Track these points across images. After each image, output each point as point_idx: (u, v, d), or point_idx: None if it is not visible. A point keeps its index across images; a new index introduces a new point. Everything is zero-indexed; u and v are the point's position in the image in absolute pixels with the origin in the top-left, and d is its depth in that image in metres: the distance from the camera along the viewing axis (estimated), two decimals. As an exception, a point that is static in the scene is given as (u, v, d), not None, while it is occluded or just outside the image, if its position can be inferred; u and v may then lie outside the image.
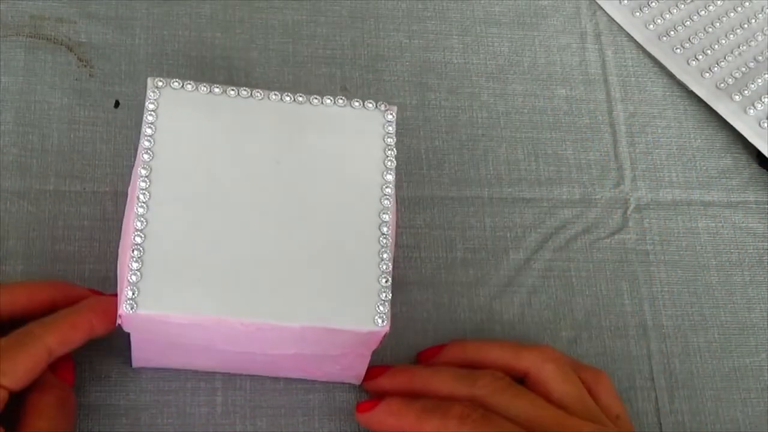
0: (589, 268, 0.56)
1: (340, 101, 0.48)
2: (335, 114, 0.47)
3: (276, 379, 0.50)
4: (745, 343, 0.56)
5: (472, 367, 0.49)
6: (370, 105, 0.48)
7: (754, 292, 0.57)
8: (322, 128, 0.47)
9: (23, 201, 0.52)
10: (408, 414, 0.46)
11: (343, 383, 0.51)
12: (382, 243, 0.45)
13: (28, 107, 0.55)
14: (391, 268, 0.45)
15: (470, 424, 0.44)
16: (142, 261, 0.43)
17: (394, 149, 0.47)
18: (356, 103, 0.48)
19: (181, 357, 0.48)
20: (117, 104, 0.56)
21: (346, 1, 0.61)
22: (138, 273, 0.42)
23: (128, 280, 0.42)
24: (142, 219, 0.44)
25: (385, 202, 0.46)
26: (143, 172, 0.44)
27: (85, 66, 0.56)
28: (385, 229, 0.45)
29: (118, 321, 0.43)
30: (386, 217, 0.46)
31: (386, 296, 0.44)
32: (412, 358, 0.52)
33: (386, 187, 0.46)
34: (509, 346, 0.50)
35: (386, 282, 0.44)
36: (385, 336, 0.44)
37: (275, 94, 0.47)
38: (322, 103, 0.47)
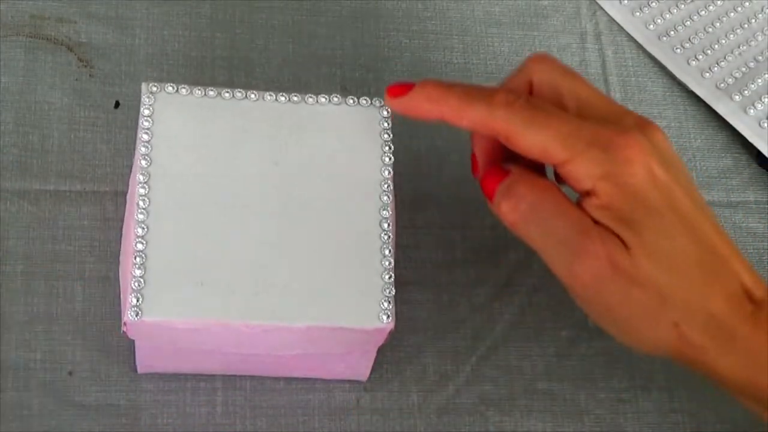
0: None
1: (335, 99, 0.48)
2: (331, 112, 0.47)
3: (276, 378, 0.51)
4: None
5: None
6: (365, 102, 0.48)
7: (755, 292, 0.57)
8: (319, 127, 0.47)
9: (23, 201, 0.52)
10: (448, 100, 0.44)
11: (344, 382, 0.51)
12: (383, 239, 0.45)
13: (29, 107, 0.55)
14: (393, 265, 0.45)
15: (517, 111, 0.43)
16: (144, 268, 0.43)
17: (391, 145, 0.47)
18: (351, 101, 0.48)
19: (186, 361, 0.48)
20: (117, 105, 0.56)
21: (346, 1, 0.61)
22: (141, 280, 0.42)
23: (132, 288, 0.42)
24: (142, 225, 0.44)
25: (385, 198, 0.46)
26: (142, 178, 0.44)
27: (85, 66, 0.56)
28: (385, 226, 0.46)
29: (123, 329, 0.43)
30: (386, 214, 0.46)
31: (390, 292, 0.44)
32: (412, 358, 0.52)
33: (385, 184, 0.46)
34: (506, 78, 0.48)
35: (389, 278, 0.45)
36: (390, 332, 0.44)
37: (270, 95, 0.47)
38: (317, 102, 0.47)
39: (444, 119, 0.45)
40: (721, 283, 0.43)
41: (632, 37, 0.63)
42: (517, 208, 0.44)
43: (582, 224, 0.43)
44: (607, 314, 0.44)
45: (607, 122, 0.44)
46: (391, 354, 0.52)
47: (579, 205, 0.44)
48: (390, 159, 0.47)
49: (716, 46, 0.63)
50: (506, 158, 0.47)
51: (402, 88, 0.46)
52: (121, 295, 0.45)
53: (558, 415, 0.52)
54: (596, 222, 0.43)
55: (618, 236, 0.42)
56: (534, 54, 0.47)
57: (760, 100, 0.62)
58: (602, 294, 0.43)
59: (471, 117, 0.44)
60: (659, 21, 0.64)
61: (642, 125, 0.44)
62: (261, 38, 0.59)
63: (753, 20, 0.65)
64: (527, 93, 0.46)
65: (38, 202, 0.52)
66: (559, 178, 0.45)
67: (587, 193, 0.43)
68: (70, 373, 0.49)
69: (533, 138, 0.43)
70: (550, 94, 0.46)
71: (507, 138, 0.44)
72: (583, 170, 0.42)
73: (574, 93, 0.45)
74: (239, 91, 0.47)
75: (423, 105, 0.45)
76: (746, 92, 0.62)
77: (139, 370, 0.49)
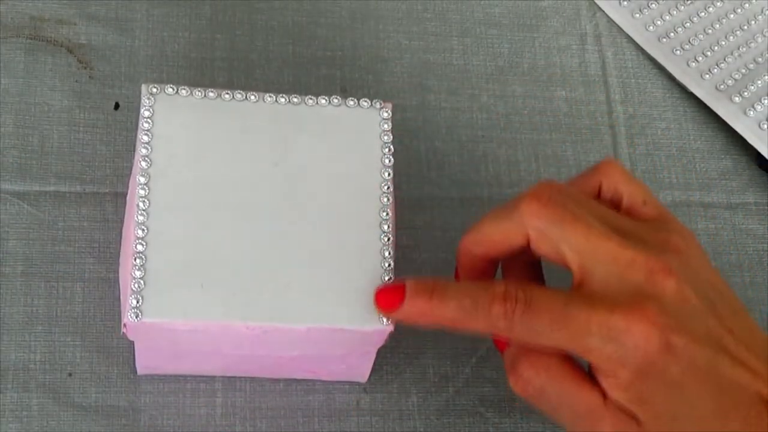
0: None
1: (335, 101, 0.48)
2: (331, 114, 0.47)
3: (275, 380, 0.51)
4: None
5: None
6: (365, 103, 0.48)
7: (754, 293, 0.57)
8: (319, 128, 0.47)
9: (23, 202, 0.52)
10: (443, 315, 0.42)
11: (344, 384, 0.51)
12: (383, 241, 0.45)
13: (28, 109, 0.55)
14: (393, 266, 0.45)
15: (518, 320, 0.41)
16: (144, 269, 0.43)
17: (391, 146, 0.47)
18: (351, 102, 0.48)
19: (186, 363, 0.48)
20: (117, 106, 0.56)
21: (345, 3, 0.61)
22: (141, 281, 0.42)
23: (132, 289, 0.42)
24: (142, 227, 0.44)
25: (385, 199, 0.46)
26: (142, 179, 0.44)
27: (85, 68, 0.56)
28: (385, 227, 0.46)
29: (123, 330, 0.43)
30: (386, 215, 0.46)
31: None
32: (412, 360, 0.52)
33: (385, 185, 0.46)
34: (496, 219, 0.45)
35: (389, 280, 0.45)
36: (390, 334, 0.44)
37: (270, 96, 0.47)
38: (317, 103, 0.47)
39: (442, 328, 0.44)
40: (738, 410, 0.42)
41: (632, 39, 0.63)
42: (525, 390, 0.43)
43: (591, 406, 0.42)
44: None
45: (616, 292, 0.41)
46: (390, 355, 0.52)
47: (594, 376, 0.42)
48: (390, 160, 0.47)
49: (716, 47, 0.63)
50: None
51: (391, 298, 0.44)
52: (121, 297, 0.45)
53: (558, 416, 0.52)
54: (608, 398, 0.42)
55: (631, 413, 0.41)
56: (527, 196, 0.43)
57: (760, 102, 0.62)
58: None
59: (472, 329, 0.43)
60: (659, 22, 0.64)
61: (653, 279, 0.41)
62: (261, 39, 0.59)
63: (753, 22, 0.65)
64: (523, 285, 0.43)
65: (38, 203, 0.52)
66: None
67: (606, 374, 0.41)
68: (70, 375, 0.49)
69: (543, 343, 0.42)
70: (551, 253, 0.43)
71: (516, 342, 0.43)
72: (602, 362, 0.41)
73: (575, 254, 0.42)
74: (239, 93, 0.47)
75: (418, 320, 0.43)
76: (746, 94, 0.62)
77: (139, 371, 0.49)
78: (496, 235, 0.45)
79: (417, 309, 0.43)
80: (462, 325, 0.43)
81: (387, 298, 0.44)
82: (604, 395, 0.42)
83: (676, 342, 0.41)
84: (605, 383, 0.42)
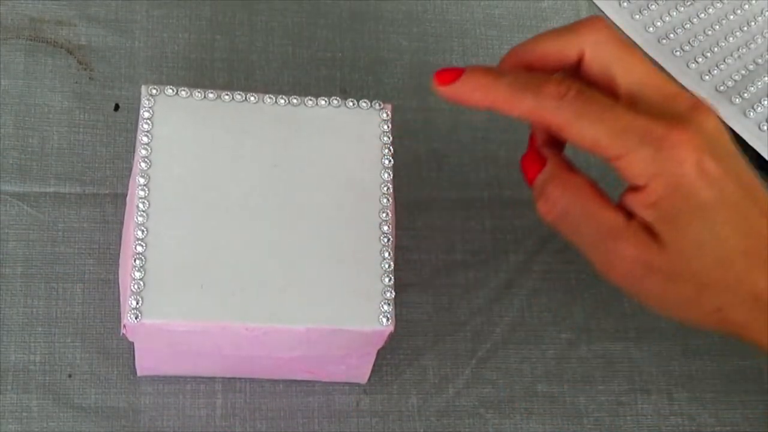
0: (588, 270, 0.56)
1: (335, 102, 0.48)
2: (330, 115, 0.47)
3: (275, 381, 0.51)
4: (744, 345, 0.55)
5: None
6: (365, 104, 0.48)
7: (754, 294, 0.57)
8: (318, 129, 0.47)
9: (23, 203, 0.52)
10: (497, 89, 0.44)
11: (344, 385, 0.51)
12: (383, 242, 0.45)
13: (28, 110, 0.55)
14: (393, 267, 0.45)
15: (568, 103, 0.42)
16: (144, 270, 0.43)
17: (391, 148, 0.47)
18: (351, 104, 0.48)
19: (186, 364, 0.48)
20: (117, 107, 0.56)
21: (346, 3, 0.61)
22: (141, 282, 0.42)
23: (131, 290, 0.42)
24: (142, 228, 0.44)
25: (384, 201, 0.46)
26: (141, 180, 0.44)
27: (85, 69, 0.56)
28: (385, 228, 0.46)
29: (123, 331, 0.43)
30: (386, 216, 0.46)
31: (390, 295, 0.44)
32: (412, 361, 0.52)
33: (384, 186, 0.46)
34: (554, 34, 0.46)
35: (389, 281, 0.45)
36: (390, 335, 0.44)
37: (270, 98, 0.47)
38: (317, 104, 0.47)
39: (493, 108, 0.44)
40: (764, 261, 0.42)
41: (632, 40, 0.63)
42: (551, 211, 0.45)
43: (613, 227, 0.43)
44: (648, 302, 0.45)
45: (659, 113, 0.43)
46: (390, 356, 0.52)
47: (622, 198, 0.43)
48: (390, 161, 0.47)
49: (716, 48, 0.63)
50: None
51: (450, 75, 0.45)
52: (121, 298, 0.45)
53: (557, 417, 0.52)
54: (633, 217, 0.43)
55: (656, 233, 0.42)
56: (588, 19, 0.45)
57: (760, 103, 0.62)
58: (639, 289, 0.44)
59: (521, 108, 0.44)
60: (659, 24, 0.64)
61: (695, 111, 0.43)
62: (260, 40, 0.59)
63: (753, 23, 0.65)
64: (578, 78, 0.45)
65: (38, 204, 0.52)
66: None
67: (637, 188, 0.42)
68: (70, 376, 0.49)
69: (584, 132, 0.42)
70: (601, 73, 0.45)
71: (558, 129, 0.43)
72: (635, 168, 0.42)
73: (626, 75, 0.44)
74: (239, 94, 0.47)
75: (472, 94, 0.45)
76: (746, 95, 0.62)
77: (139, 372, 0.49)
78: (551, 47, 0.46)
79: (473, 81, 0.44)
80: (510, 105, 0.44)
81: (446, 74, 0.45)
82: (628, 217, 0.43)
83: (711, 168, 0.42)
84: (633, 200, 0.43)
